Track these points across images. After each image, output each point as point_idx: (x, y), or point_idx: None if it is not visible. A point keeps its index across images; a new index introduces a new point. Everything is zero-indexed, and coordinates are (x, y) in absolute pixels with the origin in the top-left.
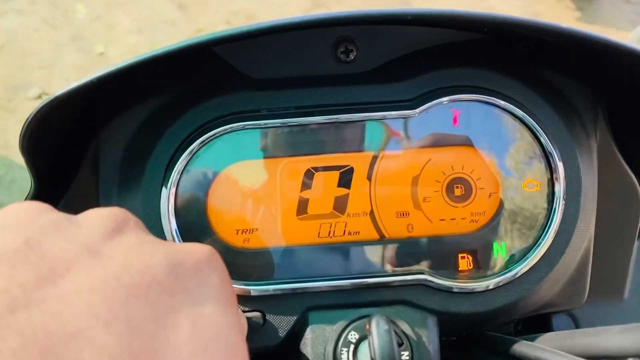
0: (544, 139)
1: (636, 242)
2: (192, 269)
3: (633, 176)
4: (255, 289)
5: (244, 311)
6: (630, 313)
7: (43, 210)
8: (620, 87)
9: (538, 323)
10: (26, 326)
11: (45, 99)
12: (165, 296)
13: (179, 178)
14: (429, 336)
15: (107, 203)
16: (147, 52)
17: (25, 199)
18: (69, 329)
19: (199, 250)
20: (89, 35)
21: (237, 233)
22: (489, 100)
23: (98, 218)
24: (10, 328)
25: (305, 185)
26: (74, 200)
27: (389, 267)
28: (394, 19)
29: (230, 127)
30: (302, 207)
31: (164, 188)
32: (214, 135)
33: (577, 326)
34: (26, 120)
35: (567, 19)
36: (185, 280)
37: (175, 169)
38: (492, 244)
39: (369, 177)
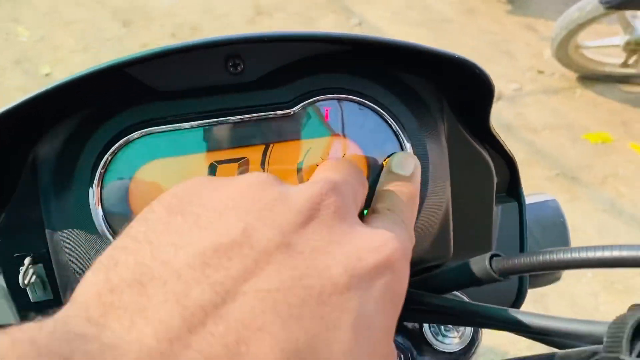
0: (395, 126)
1: (497, 205)
2: (370, 270)
3: (483, 151)
4: None
5: None
6: None
7: (268, 185)
8: (454, 80)
9: None
10: (230, 314)
11: None
12: (335, 296)
13: (102, 178)
14: None
15: (47, 203)
16: (61, 79)
17: None
18: (257, 322)
19: (387, 249)
20: (33, 57)
21: None
22: (350, 99)
23: (303, 197)
24: (219, 317)
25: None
26: (20, 204)
27: None
28: (263, 40)
29: (141, 132)
30: None
31: (90, 188)
32: (126, 140)
33: None
34: None
35: (499, 13)
36: (359, 279)
37: (98, 170)
38: (364, 212)
39: (262, 165)
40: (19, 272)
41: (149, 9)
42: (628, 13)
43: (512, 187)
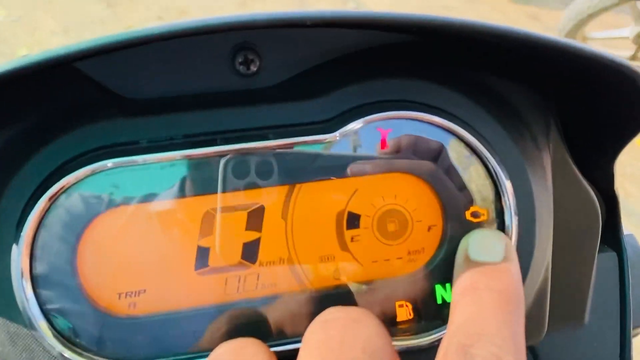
0: (488, 158)
1: (595, 259)
2: None
3: (591, 190)
4: None
5: None
6: (592, 335)
7: None
8: (574, 91)
9: None
10: None
11: None
12: None
13: (36, 233)
14: None
15: None
16: None
17: None
18: None
19: None
20: (10, 38)
21: (120, 297)
22: (421, 117)
23: None
24: None
25: (205, 232)
26: None
27: None
28: (297, 23)
29: (99, 166)
30: (201, 258)
31: (14, 246)
32: (77, 177)
33: (535, 357)
34: None
35: (502, 2)
36: None
37: (27, 223)
38: (435, 288)
39: (284, 216)
40: None
41: None
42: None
43: (608, 233)
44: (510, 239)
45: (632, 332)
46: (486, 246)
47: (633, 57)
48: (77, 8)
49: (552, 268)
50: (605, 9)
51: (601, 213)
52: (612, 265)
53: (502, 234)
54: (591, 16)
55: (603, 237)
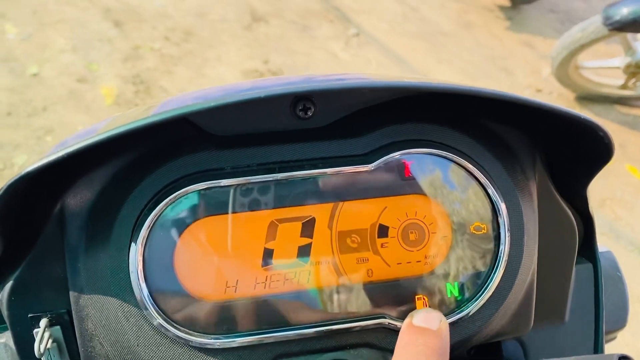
0: (487, 185)
1: (574, 268)
2: None
3: (569, 211)
4: (221, 342)
5: None
6: (571, 333)
7: None
8: (554, 136)
9: (489, 346)
10: None
11: (15, 176)
12: None
13: (147, 237)
14: None
15: (74, 262)
16: (120, 126)
17: None
18: None
19: None
20: (20, 56)
21: (204, 286)
22: (436, 153)
23: None
24: None
25: (270, 237)
26: (40, 258)
27: (351, 312)
28: (351, 90)
29: (195, 187)
30: (267, 258)
31: (132, 246)
32: (179, 194)
33: (523, 348)
34: None
35: (497, 28)
36: None
37: (142, 228)
38: (446, 285)
39: (330, 227)
40: (33, 336)
41: (141, 10)
42: (630, 35)
43: (585, 248)
44: (504, 248)
45: (609, 336)
46: (427, 318)
47: (624, 86)
48: (85, 27)
49: (537, 274)
50: (598, 40)
51: (579, 231)
52: (589, 275)
53: (439, 312)
54: (584, 46)
55: (581, 251)
